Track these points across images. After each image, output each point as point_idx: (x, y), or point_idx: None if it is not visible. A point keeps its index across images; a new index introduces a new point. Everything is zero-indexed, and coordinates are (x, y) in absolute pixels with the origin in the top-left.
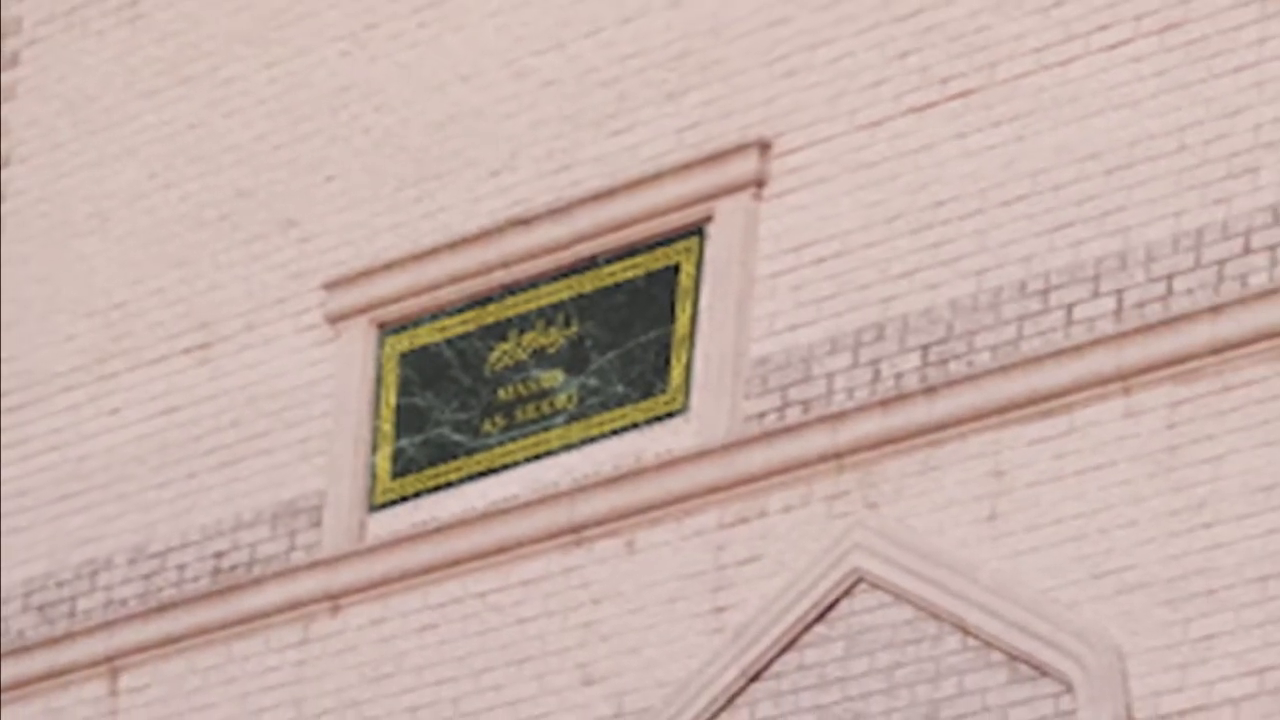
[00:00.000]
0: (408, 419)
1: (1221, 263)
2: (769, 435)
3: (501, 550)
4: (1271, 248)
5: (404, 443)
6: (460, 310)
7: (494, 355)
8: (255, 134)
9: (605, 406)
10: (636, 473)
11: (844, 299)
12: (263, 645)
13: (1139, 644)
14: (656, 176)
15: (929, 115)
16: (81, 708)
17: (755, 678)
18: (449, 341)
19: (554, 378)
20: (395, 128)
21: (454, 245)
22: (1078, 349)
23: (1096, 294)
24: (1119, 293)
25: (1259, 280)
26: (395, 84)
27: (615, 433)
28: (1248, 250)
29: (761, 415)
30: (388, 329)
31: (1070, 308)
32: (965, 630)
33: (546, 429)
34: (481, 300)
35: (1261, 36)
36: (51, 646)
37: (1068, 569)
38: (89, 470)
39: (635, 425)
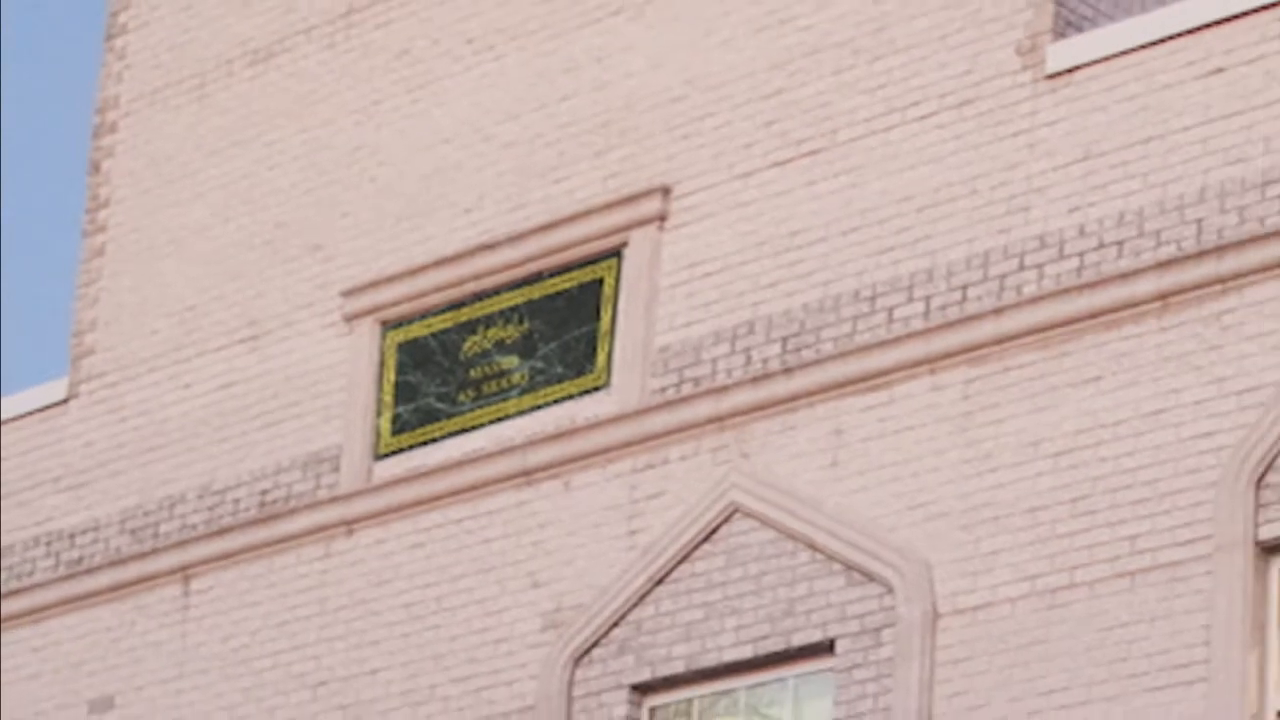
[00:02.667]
0: (403, 392)
1: (1003, 276)
2: (669, 404)
3: (472, 489)
4: (1039, 265)
5: (400, 409)
6: (441, 312)
7: (466, 345)
8: (290, 181)
9: (549, 383)
10: (571, 431)
11: (724, 304)
12: (295, 559)
13: (941, 557)
14: (586, 213)
15: (788, 168)
16: (162, 604)
17: (659, 582)
18: (433, 335)
19: (511, 361)
20: (394, 177)
21: (438, 263)
22: (896, 340)
23: (910, 299)
24: (927, 298)
25: (1030, 290)
26: (394, 145)
27: (556, 402)
28: (1022, 267)
29: (663, 389)
30: (388, 326)
31: (891, 310)
32: (814, 547)
33: (505, 399)
34: (457, 304)
35: (1033, 110)
36: (141, 560)
37: (889, 502)
38: (168, 430)
39: (570, 396)
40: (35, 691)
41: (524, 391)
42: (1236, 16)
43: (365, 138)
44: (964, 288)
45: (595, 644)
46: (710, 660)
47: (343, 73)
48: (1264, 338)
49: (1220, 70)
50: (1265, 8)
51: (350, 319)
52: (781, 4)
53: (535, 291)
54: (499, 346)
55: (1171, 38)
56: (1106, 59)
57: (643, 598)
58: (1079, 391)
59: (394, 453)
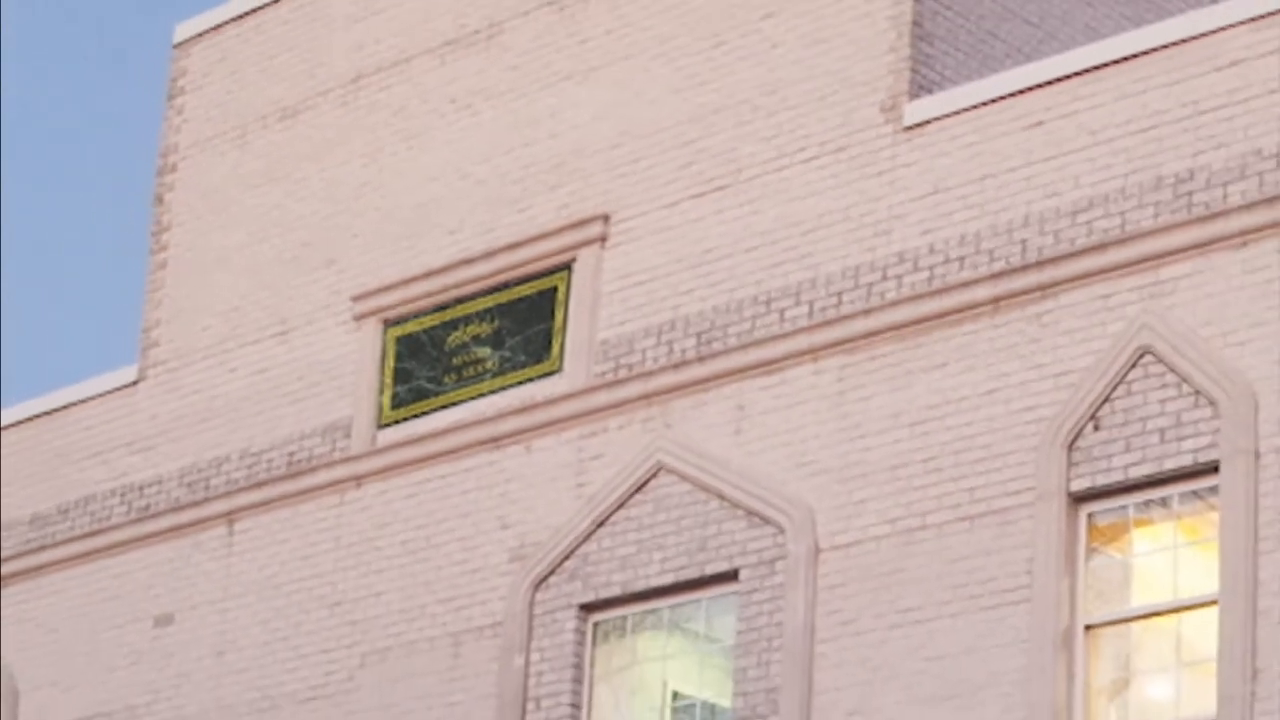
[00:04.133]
0: (400, 376)
1: (870, 285)
2: (608, 385)
3: (453, 451)
4: (899, 276)
5: (398, 389)
6: (430, 313)
7: (450, 339)
8: (311, 210)
9: (514, 369)
10: (531, 407)
11: (651, 306)
12: (315, 506)
13: (822, 505)
14: (543, 235)
15: (702, 200)
16: (211, 542)
17: (601, 524)
18: (424, 331)
19: (484, 352)
20: (393, 207)
21: (427, 275)
22: (786, 335)
23: (797, 303)
24: (810, 302)
25: (891, 295)
26: (393, 182)
27: (519, 384)
28: (885, 278)
29: (603, 374)
30: (389, 324)
31: (782, 311)
32: (722, 497)
33: (479, 381)
34: (442, 307)
35: (894, 154)
36: (195, 507)
37: (780, 462)
38: (216, 405)
39: (531, 379)
40: (113, 609)
41: (494, 375)
42: (1052, 81)
43: (370, 176)
44: (839, 294)
45: (551, 573)
46: (641, 585)
47: (352, 125)
48: (1074, 333)
49: (1040, 123)
50: (1074, 75)
51: (358, 318)
52: (696, 71)
53: (503, 297)
54: (475, 340)
55: (1002, 98)
56: (951, 114)
57: (588, 536)
58: (929, 375)
59: (393, 423)
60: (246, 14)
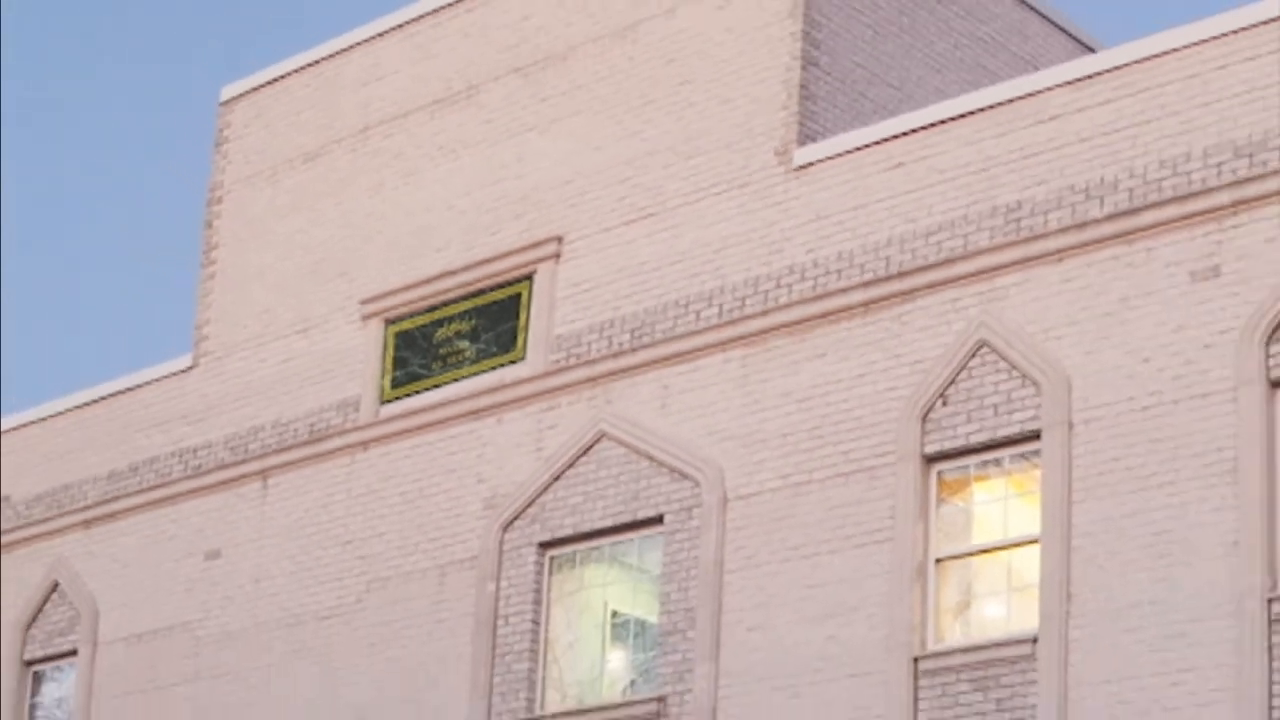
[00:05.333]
0: (398, 363)
1: (767, 291)
2: (561, 370)
3: (440, 423)
4: (790, 285)
5: (396, 373)
6: (422, 313)
7: (437, 334)
8: (328, 234)
9: (487, 357)
10: (501, 388)
11: (595, 309)
12: (332, 465)
13: (729, 464)
14: (511, 253)
15: (634, 226)
16: (250, 494)
17: (556, 479)
18: (417, 328)
19: (465, 344)
20: (393, 231)
21: (419, 284)
22: (701, 331)
23: (709, 306)
24: (720, 305)
25: (784, 299)
26: (393, 211)
27: (491, 369)
28: (779, 286)
29: (557, 361)
30: (389, 322)
31: (699, 312)
32: (651, 459)
33: (460, 367)
34: (432, 308)
35: (785, 189)
36: (237, 465)
37: (697, 431)
38: (253, 386)
39: (501, 366)
40: (172, 546)
41: (472, 363)
42: (909, 132)
43: (374, 207)
44: (743, 299)
45: (516, 517)
46: (587, 527)
47: (361, 167)
48: (927, 330)
49: (900, 165)
50: (926, 127)
51: (365, 318)
52: (630, 124)
53: (479, 301)
54: (457, 335)
55: (870, 145)
56: (830, 158)
57: (545, 489)
58: (813, 363)
59: (392, 400)
60: (277, 79)
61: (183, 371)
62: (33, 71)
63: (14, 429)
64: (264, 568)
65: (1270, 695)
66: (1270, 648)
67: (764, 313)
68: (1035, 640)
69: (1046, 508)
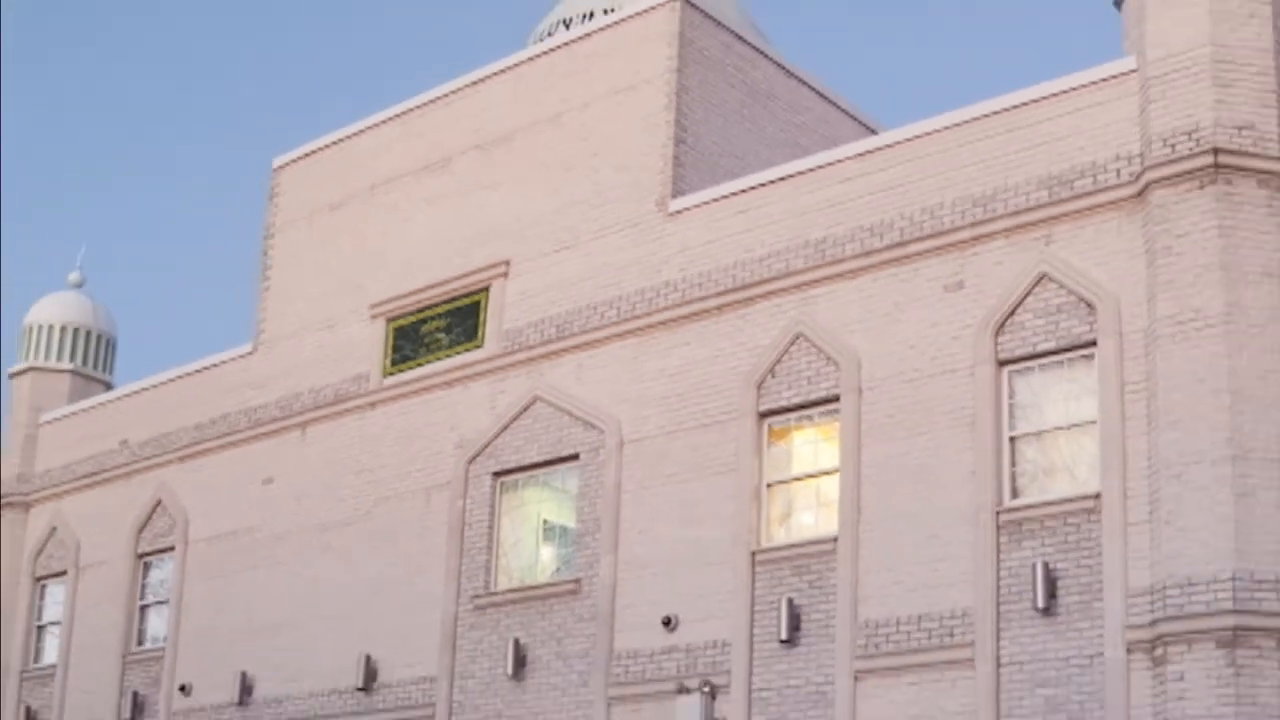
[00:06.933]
0: (396, 348)
1: (650, 299)
2: (509, 353)
3: (424, 389)
4: (665, 295)
5: (394, 355)
6: (413, 314)
7: (423, 328)
8: (348, 260)
9: (458, 344)
10: (466, 366)
11: (533, 312)
12: (349, 419)
13: (624, 418)
14: (474, 272)
15: (555, 256)
16: (291, 440)
17: (504, 429)
18: (408, 324)
19: (442, 335)
20: (393, 259)
21: (412, 294)
22: (605, 326)
23: (611, 308)
24: (619, 309)
25: (661, 304)
26: (394, 246)
27: (461, 353)
28: (658, 295)
29: (507, 348)
30: (390, 320)
31: (603, 313)
32: (570, 414)
33: (438, 351)
34: (419, 310)
35: (663, 229)
36: (283, 419)
37: (604, 394)
38: (296, 364)
39: (467, 350)
40: (238, 474)
41: (447, 349)
42: (750, 189)
43: (379, 241)
44: (634, 304)
45: (477, 454)
46: (527, 461)
47: (370, 214)
48: (762, 326)
49: (744, 211)
50: (759, 186)
51: (373, 318)
52: (555, 184)
53: (452, 305)
54: (437, 329)
55: (723, 198)
56: (695, 207)
57: (497, 435)
58: (682, 349)
59: (392, 374)
60: (310, 152)
61: (246, 354)
62: (143, 135)
63: (131, 394)
64: (303, 490)
65: (998, 577)
66: (998, 546)
67: (648, 314)
68: (835, 540)
69: (843, 448)
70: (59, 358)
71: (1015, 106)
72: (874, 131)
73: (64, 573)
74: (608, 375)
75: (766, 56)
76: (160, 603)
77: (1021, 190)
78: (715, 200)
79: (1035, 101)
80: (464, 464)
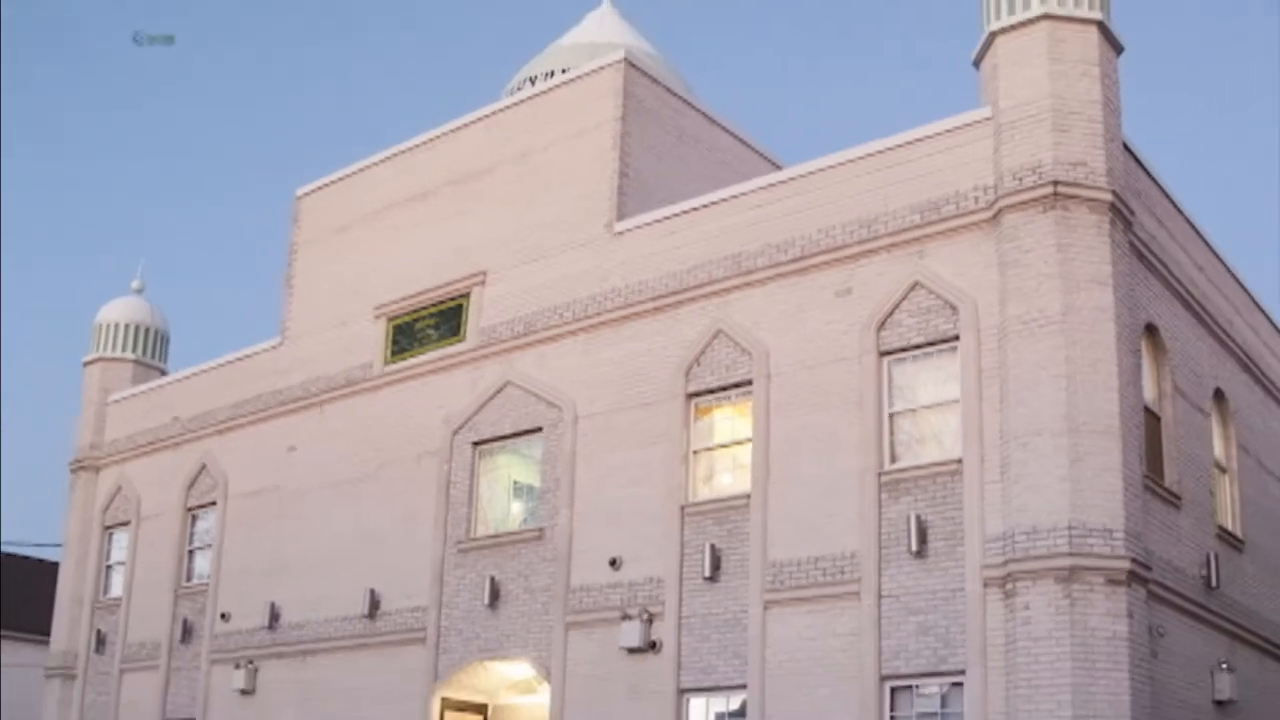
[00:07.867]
0: (395, 343)
1: (599, 301)
2: (486, 345)
3: (417, 375)
4: (612, 298)
5: (393, 347)
6: (408, 314)
7: (417, 326)
8: (356, 272)
9: (444, 339)
10: (452, 355)
11: (505, 312)
12: (357, 400)
13: (578, 397)
14: (456, 281)
15: (525, 267)
16: (311, 417)
17: (482, 407)
18: (405, 323)
19: (432, 332)
20: (390, 276)
21: (406, 298)
22: (562, 324)
23: (567, 310)
24: (573, 311)
25: (609, 306)
26: (391, 260)
27: (448, 347)
28: (606, 300)
29: (484, 342)
30: (390, 319)
31: (560, 314)
32: (536, 395)
33: (428, 344)
34: (413, 311)
35: (610, 246)
36: (305, 399)
37: (563, 380)
38: (313, 356)
39: (452, 344)
40: (268, 443)
41: (436, 342)
42: (678, 215)
43: (380, 256)
44: (586, 307)
45: (461, 427)
46: (501, 433)
47: (373, 235)
48: (689, 323)
49: (674, 232)
50: (686, 212)
51: (376, 318)
52: (519, 211)
53: (440, 308)
54: (427, 327)
55: (658, 221)
56: (636, 229)
57: (476, 412)
58: (625, 343)
59: (392, 363)
60: (325, 185)
61: (274, 347)
62: (194, 171)
63: (181, 379)
64: (320, 455)
65: (880, 526)
66: (879, 501)
67: (598, 314)
68: (749, 496)
69: (755, 423)
70: (123, 349)
71: (894, 147)
72: (779, 167)
73: (127, 523)
74: (566, 364)
75: (693, 107)
76: (205, 547)
77: (899, 214)
78: (652, 223)
79: (910, 143)
80: (449, 435)
